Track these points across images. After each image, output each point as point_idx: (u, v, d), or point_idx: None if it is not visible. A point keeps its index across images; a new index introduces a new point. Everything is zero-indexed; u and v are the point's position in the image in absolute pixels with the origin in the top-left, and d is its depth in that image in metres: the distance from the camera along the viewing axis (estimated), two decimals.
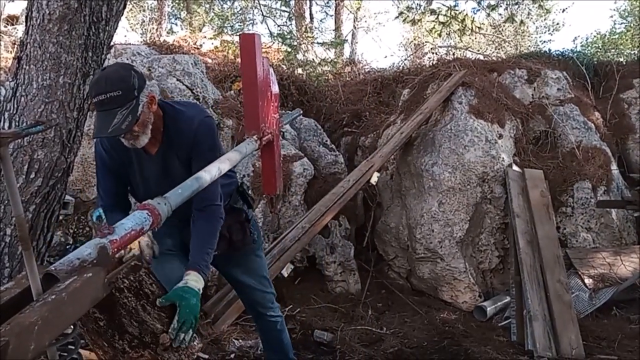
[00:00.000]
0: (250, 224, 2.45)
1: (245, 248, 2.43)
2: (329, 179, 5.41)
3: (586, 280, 4.67)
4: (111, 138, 2.01)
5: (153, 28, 12.42)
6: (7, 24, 7.89)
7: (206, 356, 3.32)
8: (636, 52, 11.27)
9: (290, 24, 12.17)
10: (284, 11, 12.47)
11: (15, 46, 5.93)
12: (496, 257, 5.20)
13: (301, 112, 2.28)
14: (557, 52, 7.39)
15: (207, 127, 2.12)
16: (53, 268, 1.07)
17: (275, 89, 1.98)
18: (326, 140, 6.05)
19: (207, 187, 1.84)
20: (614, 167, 5.59)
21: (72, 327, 1.20)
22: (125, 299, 1.50)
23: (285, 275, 4.68)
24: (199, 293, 1.83)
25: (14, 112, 2.50)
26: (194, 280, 1.86)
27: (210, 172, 1.48)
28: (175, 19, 16.44)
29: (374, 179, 5.89)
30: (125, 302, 1.50)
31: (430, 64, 7.55)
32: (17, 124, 2.47)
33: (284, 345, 2.71)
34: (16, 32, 7.24)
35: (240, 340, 3.77)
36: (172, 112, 2.11)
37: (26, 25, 2.54)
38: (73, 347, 1.26)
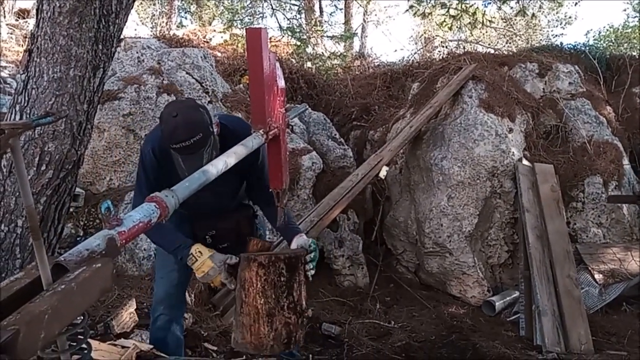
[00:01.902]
0: (257, 220, 2.56)
1: None
2: (337, 173, 5.41)
3: (596, 276, 4.64)
4: (164, 149, 2.13)
5: (163, 21, 12.47)
6: (19, 18, 7.94)
7: (214, 348, 3.34)
8: None
9: (300, 18, 12.15)
10: (294, 5, 12.45)
11: (27, 39, 5.98)
12: (505, 252, 5.18)
13: (307, 106, 2.29)
14: (569, 46, 7.32)
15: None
16: (62, 258, 1.08)
17: (281, 83, 1.97)
18: (335, 134, 6.04)
19: (267, 190, 2.20)
20: (625, 162, 5.55)
21: (81, 316, 1.21)
22: (297, 275, 1.97)
23: None
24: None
25: (25, 104, 2.52)
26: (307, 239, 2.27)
27: (217, 166, 1.48)
28: (185, 13, 16.47)
29: (382, 173, 5.88)
30: (297, 276, 1.97)
31: (440, 58, 7.50)
32: (28, 116, 2.49)
33: None
34: (27, 26, 7.29)
35: None
36: (224, 127, 2.22)
37: (37, 18, 2.55)
38: (82, 337, 1.27)
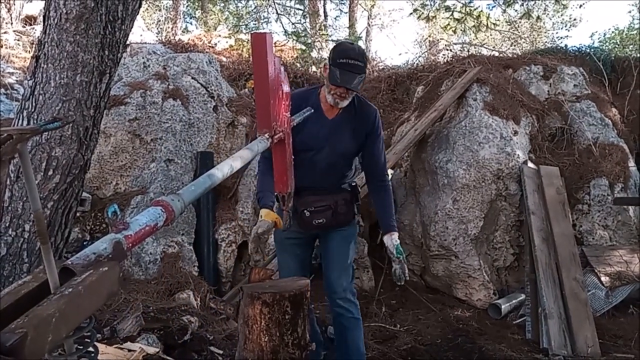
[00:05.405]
0: (357, 205, 2.87)
1: (347, 227, 2.81)
2: None
3: (602, 278, 4.62)
4: (302, 97, 2.59)
5: (168, 27, 12.55)
6: (26, 24, 8.01)
7: (220, 351, 3.34)
8: None
9: (305, 22, 12.19)
10: (298, 9, 12.49)
11: (34, 45, 6.03)
12: (511, 255, 5.17)
13: (312, 110, 2.31)
14: (573, 48, 7.28)
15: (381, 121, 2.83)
16: (70, 262, 1.09)
17: (286, 87, 1.99)
18: None
19: (380, 165, 2.74)
20: (631, 163, 5.51)
21: (88, 320, 1.22)
22: (302, 310, 1.98)
23: None
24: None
25: (32, 110, 2.54)
26: (398, 239, 2.78)
27: (223, 170, 1.50)
28: (190, 18, 16.57)
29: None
30: (302, 311, 1.97)
31: (445, 61, 7.50)
32: (35, 121, 2.51)
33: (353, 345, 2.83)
34: (34, 32, 7.36)
35: None
36: (357, 97, 2.66)
37: (44, 24, 2.58)
38: (89, 340, 1.28)
